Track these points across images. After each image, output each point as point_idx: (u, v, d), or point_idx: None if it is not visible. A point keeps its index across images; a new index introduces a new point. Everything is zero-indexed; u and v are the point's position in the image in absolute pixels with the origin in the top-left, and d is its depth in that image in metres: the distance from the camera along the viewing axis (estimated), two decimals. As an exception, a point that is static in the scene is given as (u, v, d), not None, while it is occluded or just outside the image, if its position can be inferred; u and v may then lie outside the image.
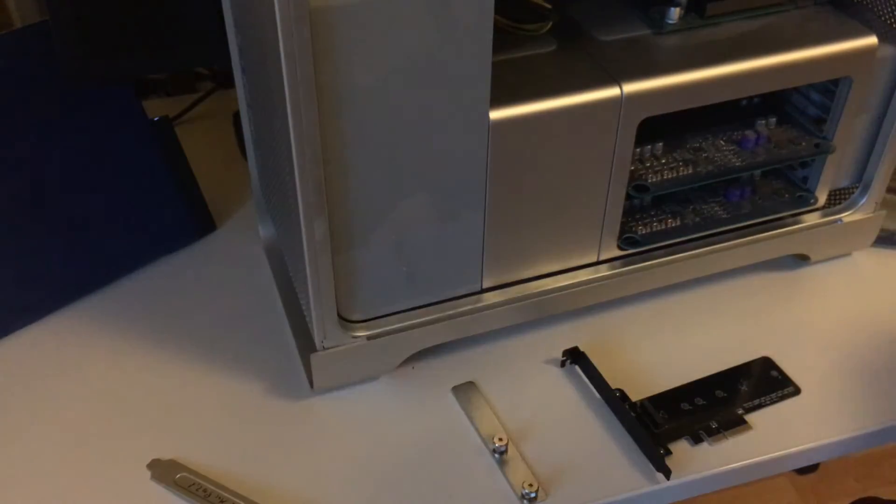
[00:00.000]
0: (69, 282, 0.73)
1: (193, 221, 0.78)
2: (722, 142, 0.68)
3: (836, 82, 0.66)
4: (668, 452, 0.60)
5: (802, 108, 0.70)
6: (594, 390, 0.65)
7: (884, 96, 0.68)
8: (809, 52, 0.62)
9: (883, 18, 0.66)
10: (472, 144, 0.56)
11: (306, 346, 0.64)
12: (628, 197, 0.64)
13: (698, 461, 0.60)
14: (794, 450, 0.61)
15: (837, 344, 0.69)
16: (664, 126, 0.63)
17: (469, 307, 0.64)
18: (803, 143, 0.68)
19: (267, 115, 0.59)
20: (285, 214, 0.61)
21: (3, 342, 0.70)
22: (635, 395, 0.64)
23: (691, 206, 0.70)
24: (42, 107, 0.73)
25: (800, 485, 1.44)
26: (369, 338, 0.62)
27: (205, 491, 0.58)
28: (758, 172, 0.71)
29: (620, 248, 0.67)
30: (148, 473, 0.59)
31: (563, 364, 0.67)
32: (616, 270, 0.67)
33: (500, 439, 0.60)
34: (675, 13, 0.63)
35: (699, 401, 0.64)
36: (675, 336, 0.70)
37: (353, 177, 0.54)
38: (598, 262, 0.67)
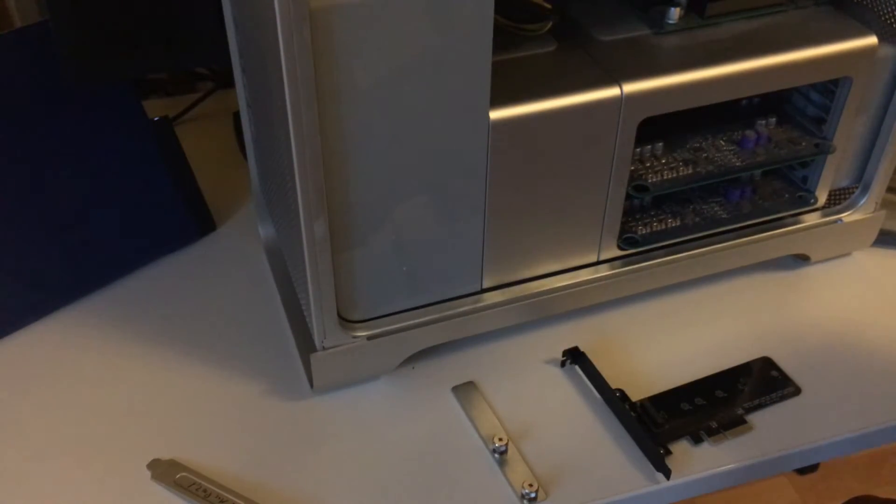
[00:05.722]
0: (69, 282, 0.73)
1: (193, 221, 0.78)
2: (722, 142, 0.68)
3: (835, 82, 0.66)
4: (668, 452, 0.60)
5: (802, 108, 0.70)
6: (594, 390, 0.65)
7: (884, 96, 0.68)
8: (809, 52, 0.62)
9: (883, 18, 0.66)
10: (472, 144, 0.56)
11: (306, 346, 0.64)
12: (628, 197, 0.64)
13: (698, 461, 0.60)
14: (794, 450, 0.61)
15: (837, 344, 0.69)
16: (664, 126, 0.63)
17: (469, 307, 0.64)
18: (803, 143, 0.68)
19: (267, 115, 0.59)
20: (285, 214, 0.61)
21: (3, 342, 0.70)
22: (635, 395, 0.64)
23: (691, 206, 0.70)
24: (42, 107, 0.73)
25: (800, 485, 1.44)
26: (369, 338, 0.62)
27: (205, 491, 0.58)
28: (758, 172, 0.71)
29: (620, 248, 0.67)
30: (148, 473, 0.59)
31: (563, 364, 0.67)
32: (616, 270, 0.67)
33: (500, 439, 0.61)
34: (675, 13, 0.63)
35: (699, 401, 0.64)
36: (675, 336, 0.70)
37: (353, 177, 0.55)
38: (598, 262, 0.67)
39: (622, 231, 0.66)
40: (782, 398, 0.64)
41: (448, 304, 0.64)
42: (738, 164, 0.67)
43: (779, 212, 0.70)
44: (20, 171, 0.72)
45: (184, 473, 0.59)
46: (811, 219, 0.72)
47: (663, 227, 0.68)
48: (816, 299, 0.73)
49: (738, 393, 0.65)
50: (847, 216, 0.73)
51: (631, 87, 0.58)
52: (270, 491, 0.59)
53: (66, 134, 0.73)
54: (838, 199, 0.74)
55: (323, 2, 0.47)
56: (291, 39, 0.47)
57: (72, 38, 0.70)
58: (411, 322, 0.63)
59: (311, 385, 0.64)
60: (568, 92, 0.57)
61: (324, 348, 0.61)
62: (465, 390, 0.65)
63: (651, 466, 0.59)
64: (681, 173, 0.66)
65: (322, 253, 0.56)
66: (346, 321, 0.61)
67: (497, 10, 0.51)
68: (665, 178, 0.65)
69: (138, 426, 0.63)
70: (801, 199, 0.71)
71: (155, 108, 0.85)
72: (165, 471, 0.59)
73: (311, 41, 0.47)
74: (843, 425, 0.63)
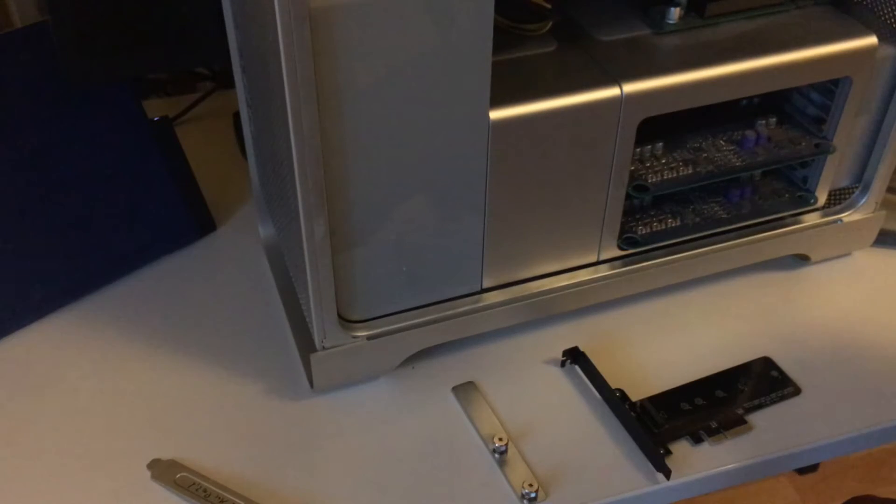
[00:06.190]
0: (69, 282, 0.73)
1: (193, 221, 0.78)
2: (722, 142, 0.68)
3: (835, 82, 0.66)
4: (668, 452, 0.60)
5: (802, 108, 0.70)
6: (594, 390, 0.65)
7: (884, 96, 0.68)
8: (809, 52, 0.62)
9: (883, 18, 0.66)
10: (472, 144, 0.56)
11: (306, 346, 0.64)
12: (628, 197, 0.64)
13: (698, 461, 0.60)
14: (794, 450, 0.61)
15: (837, 344, 0.69)
16: (664, 126, 0.63)
17: (469, 307, 0.64)
18: (803, 143, 0.68)
19: (267, 115, 0.59)
20: (285, 214, 0.61)
21: (3, 342, 0.70)
22: (635, 395, 0.64)
23: (691, 206, 0.70)
24: (42, 107, 0.73)
25: (800, 485, 1.44)
26: (369, 338, 0.62)
27: (205, 491, 0.58)
28: (758, 172, 0.71)
29: (620, 248, 0.67)
30: (148, 473, 0.60)
31: (563, 364, 0.67)
32: (616, 270, 0.67)
33: (500, 439, 0.61)
34: (675, 13, 0.63)
35: (699, 401, 0.64)
36: (675, 336, 0.70)
37: (353, 177, 0.55)
38: (598, 262, 0.67)
39: (622, 231, 0.66)
40: (782, 398, 0.64)
41: (448, 304, 0.64)
42: (738, 164, 0.67)
43: (779, 212, 0.70)
44: (20, 171, 0.72)
45: (184, 473, 0.59)
46: (811, 219, 0.72)
47: (663, 227, 0.68)
48: (816, 299, 0.73)
49: (738, 393, 0.65)
50: (847, 216, 0.73)
51: (631, 87, 0.58)
52: (270, 491, 0.59)
53: (66, 134, 0.73)
54: (838, 199, 0.74)
55: (323, 2, 0.47)
56: (291, 39, 0.47)
57: (72, 38, 0.70)
58: (411, 322, 0.63)
59: (311, 385, 0.64)
60: (568, 92, 0.57)
61: (324, 348, 0.61)
62: (465, 390, 0.65)
63: (651, 466, 0.59)
64: (681, 173, 0.66)
65: (322, 253, 0.56)
66: (346, 321, 0.61)
67: (497, 10, 0.51)
68: (665, 178, 0.65)
69: (138, 426, 0.63)
70: (801, 199, 0.71)
71: (155, 108, 0.86)
72: (165, 471, 0.59)
73: (311, 41, 0.47)
74: (843, 425, 0.63)
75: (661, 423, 0.62)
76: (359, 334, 0.62)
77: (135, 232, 0.75)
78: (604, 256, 0.67)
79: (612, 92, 0.58)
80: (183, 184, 0.78)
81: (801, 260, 0.75)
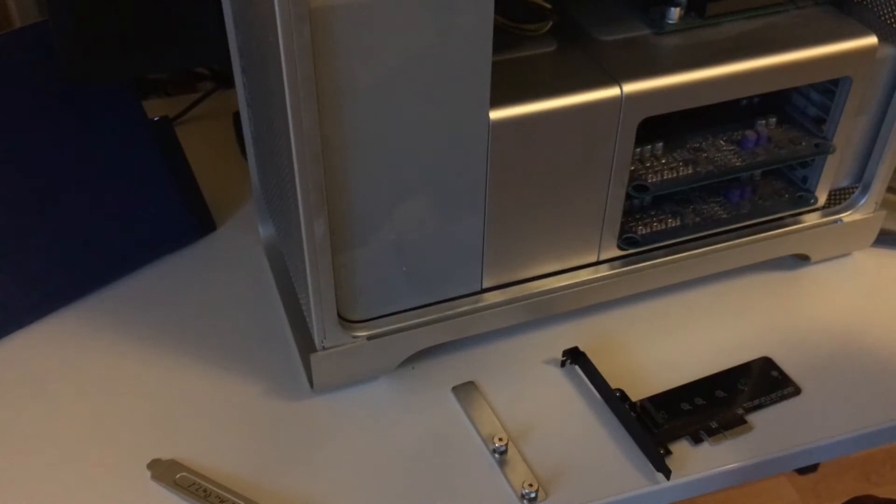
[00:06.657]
0: (69, 282, 0.73)
1: (193, 221, 0.78)
2: (722, 142, 0.68)
3: (835, 82, 0.66)
4: (668, 452, 0.60)
5: (802, 108, 0.70)
6: (594, 390, 0.65)
7: (884, 96, 0.68)
8: (809, 52, 0.62)
9: (883, 18, 0.66)
10: (472, 144, 0.56)
11: (306, 346, 0.64)
12: (628, 197, 0.64)
13: (698, 461, 0.60)
14: (794, 450, 0.61)
15: (837, 344, 0.69)
16: (664, 126, 0.63)
17: (469, 307, 0.64)
18: (803, 143, 0.68)
19: (267, 114, 0.59)
20: (285, 214, 0.61)
21: (3, 342, 0.70)
22: (635, 395, 0.64)
23: (691, 206, 0.70)
24: (42, 107, 0.73)
25: (800, 485, 1.44)
26: (369, 338, 0.62)
27: (205, 491, 0.58)
28: (758, 172, 0.71)
29: (620, 248, 0.67)
30: (148, 473, 0.60)
31: (563, 364, 0.67)
32: (616, 270, 0.67)
33: (500, 439, 0.61)
34: (675, 13, 0.63)
35: (699, 401, 0.64)
36: (675, 336, 0.70)
37: (353, 177, 0.55)
38: (598, 262, 0.67)
39: (622, 231, 0.66)
40: (782, 398, 0.64)
41: (448, 304, 0.64)
42: (738, 164, 0.67)
43: (779, 212, 0.70)
44: (20, 172, 0.72)
45: (184, 473, 0.59)
46: (811, 219, 0.72)
47: (663, 227, 0.68)
48: (816, 299, 0.73)
49: (738, 393, 0.65)
50: (847, 216, 0.73)
51: (631, 87, 0.58)
52: (270, 491, 0.59)
53: (66, 134, 0.73)
54: (838, 199, 0.74)
55: (323, 2, 0.47)
56: (291, 39, 0.47)
57: (72, 38, 0.70)
58: (411, 322, 0.63)
59: (311, 385, 0.64)
60: (568, 92, 0.57)
61: (324, 348, 0.61)
62: (465, 390, 0.65)
63: (651, 466, 0.59)
64: (681, 173, 0.66)
65: (322, 253, 0.56)
66: (346, 321, 0.61)
67: (497, 10, 0.51)
68: (665, 178, 0.65)
69: (138, 426, 0.63)
70: (801, 199, 0.71)
71: (155, 108, 0.86)
72: (165, 471, 0.59)
73: (311, 41, 0.47)
74: (843, 425, 0.63)
75: (661, 423, 0.62)
76: (359, 334, 0.62)
77: (135, 232, 0.75)
78: (604, 256, 0.67)
79: (612, 92, 0.58)
80: (183, 184, 0.78)
81: (801, 260, 0.75)
